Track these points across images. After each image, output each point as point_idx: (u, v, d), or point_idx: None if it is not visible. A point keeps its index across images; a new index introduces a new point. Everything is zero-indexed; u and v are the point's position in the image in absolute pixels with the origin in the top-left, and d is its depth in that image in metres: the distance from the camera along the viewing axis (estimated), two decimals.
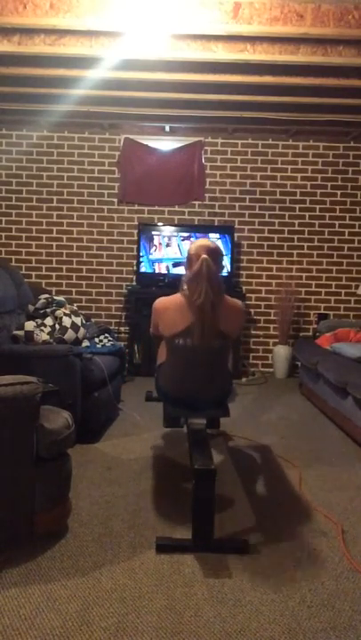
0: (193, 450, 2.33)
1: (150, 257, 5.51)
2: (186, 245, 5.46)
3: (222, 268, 2.62)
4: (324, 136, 5.62)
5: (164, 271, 5.48)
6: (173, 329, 2.46)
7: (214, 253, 2.49)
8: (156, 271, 5.51)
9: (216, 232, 5.56)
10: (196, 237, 5.48)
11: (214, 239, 5.48)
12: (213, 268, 2.42)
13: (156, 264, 5.52)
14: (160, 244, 5.51)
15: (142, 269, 5.50)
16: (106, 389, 3.57)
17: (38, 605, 1.74)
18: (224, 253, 2.66)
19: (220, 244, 5.46)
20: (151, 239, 5.50)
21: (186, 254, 2.59)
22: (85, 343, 3.81)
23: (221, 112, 4.82)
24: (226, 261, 5.42)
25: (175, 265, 5.46)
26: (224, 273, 5.38)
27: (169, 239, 5.51)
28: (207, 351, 2.45)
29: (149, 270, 5.50)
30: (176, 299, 2.51)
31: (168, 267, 5.50)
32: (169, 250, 5.50)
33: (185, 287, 2.48)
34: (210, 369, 2.54)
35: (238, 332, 2.73)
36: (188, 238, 5.49)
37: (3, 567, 1.94)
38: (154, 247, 5.51)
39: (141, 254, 5.50)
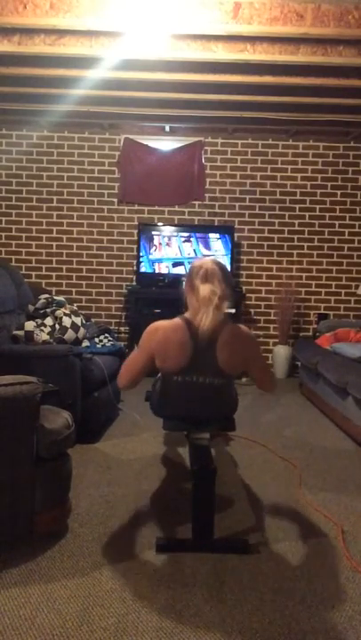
0: (193, 452, 2.33)
1: (150, 257, 5.51)
2: (186, 246, 5.46)
3: (231, 287, 2.26)
4: (324, 136, 5.62)
5: (164, 271, 5.48)
6: (172, 366, 2.20)
7: (220, 266, 2.23)
8: (156, 271, 5.51)
9: (216, 232, 5.55)
10: (197, 238, 5.48)
11: (214, 238, 5.48)
12: (219, 274, 2.18)
13: (156, 264, 5.52)
14: (160, 243, 5.51)
15: (142, 269, 5.50)
16: (106, 389, 3.57)
17: (38, 605, 1.73)
18: (230, 274, 2.35)
19: (219, 243, 5.48)
20: (151, 239, 5.50)
21: (187, 273, 2.26)
22: (85, 343, 3.81)
23: (221, 112, 4.82)
24: (226, 261, 5.43)
25: (175, 265, 5.46)
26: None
27: (169, 239, 5.51)
28: (207, 388, 2.22)
29: (149, 270, 5.50)
30: (175, 324, 2.20)
31: (168, 267, 5.49)
32: (169, 250, 5.50)
33: (186, 312, 2.22)
34: (211, 403, 2.30)
35: (255, 360, 2.31)
36: (188, 239, 5.49)
37: (3, 567, 1.94)
38: (154, 247, 5.50)
39: (141, 254, 5.49)
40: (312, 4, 3.08)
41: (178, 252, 5.48)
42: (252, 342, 2.32)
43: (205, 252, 5.43)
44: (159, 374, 2.45)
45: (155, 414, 2.53)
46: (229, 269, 5.37)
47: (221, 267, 2.23)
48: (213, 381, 2.21)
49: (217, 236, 5.50)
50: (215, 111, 4.82)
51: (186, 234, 5.52)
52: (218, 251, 5.46)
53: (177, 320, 2.21)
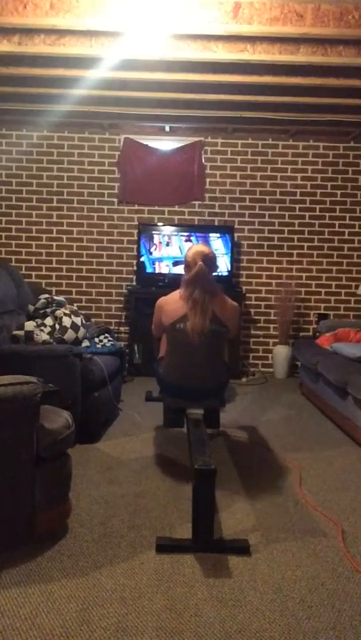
0: (193, 450, 2.33)
1: (151, 256, 5.50)
2: (187, 245, 5.47)
3: (216, 269, 3.06)
4: (324, 136, 5.62)
5: (164, 271, 5.48)
6: (173, 316, 2.83)
7: (209, 260, 2.86)
8: (157, 271, 5.51)
9: (216, 232, 5.56)
10: (197, 237, 5.50)
11: (214, 238, 5.49)
12: (207, 273, 2.80)
13: (157, 263, 5.52)
14: (160, 243, 5.51)
15: (145, 268, 5.50)
16: (106, 389, 3.57)
17: (38, 605, 1.73)
18: (217, 258, 3.07)
19: (219, 242, 5.48)
20: (151, 238, 5.50)
21: (184, 258, 2.95)
22: (85, 343, 3.81)
23: (221, 112, 4.81)
24: (226, 261, 5.44)
25: (175, 264, 5.46)
26: (224, 272, 5.40)
27: (169, 238, 5.51)
28: (203, 333, 2.76)
29: (150, 270, 5.50)
30: (175, 294, 2.90)
31: (169, 265, 5.49)
32: (169, 249, 5.50)
33: (182, 288, 2.86)
34: (207, 352, 2.83)
35: (234, 325, 2.96)
36: (188, 238, 5.49)
37: (3, 567, 1.94)
38: (154, 246, 5.51)
39: (142, 253, 5.49)
40: (312, 4, 3.08)
41: (178, 251, 5.48)
42: (236, 310, 2.97)
43: None
44: (159, 356, 3.12)
45: (160, 387, 3.09)
46: (229, 269, 5.41)
47: (210, 261, 2.86)
48: (211, 326, 2.77)
49: (217, 235, 5.50)
50: (215, 111, 4.81)
51: (186, 233, 5.52)
52: (218, 250, 5.46)
53: (176, 292, 2.91)
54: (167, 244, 5.51)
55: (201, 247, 3.01)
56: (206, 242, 5.49)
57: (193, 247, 2.98)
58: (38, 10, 3.09)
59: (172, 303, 2.88)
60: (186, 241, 5.49)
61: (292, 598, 1.81)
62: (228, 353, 3.21)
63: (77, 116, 5.19)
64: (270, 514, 2.45)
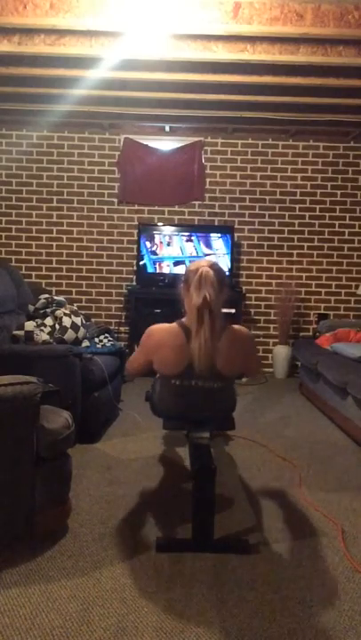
0: (193, 451, 2.33)
1: (153, 256, 5.50)
2: (188, 245, 5.47)
3: (227, 290, 2.26)
4: (325, 136, 5.62)
5: (165, 271, 5.48)
6: (169, 369, 2.26)
7: (216, 270, 2.20)
8: (158, 270, 5.51)
9: (216, 232, 5.55)
10: (198, 237, 5.48)
11: (215, 238, 5.48)
12: (215, 280, 2.15)
13: (157, 263, 5.52)
14: (161, 242, 5.51)
15: (146, 269, 5.50)
16: (106, 389, 3.57)
17: (38, 605, 1.73)
18: (226, 276, 2.39)
19: (220, 242, 5.47)
20: (153, 238, 5.50)
21: (184, 276, 2.25)
22: (85, 343, 3.81)
23: (221, 112, 4.82)
24: (226, 261, 5.43)
25: (176, 264, 5.46)
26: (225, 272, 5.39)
27: (170, 238, 5.51)
28: (206, 392, 2.26)
29: (151, 270, 5.50)
30: (172, 329, 2.24)
31: (170, 265, 5.49)
32: (170, 249, 5.50)
33: (183, 318, 2.25)
34: (210, 404, 2.32)
35: (250, 361, 2.39)
36: (189, 238, 5.49)
37: (3, 567, 1.94)
38: (155, 246, 5.50)
39: (143, 253, 5.49)
40: (312, 4, 3.08)
41: (179, 251, 5.48)
42: (250, 342, 2.40)
43: (207, 250, 5.43)
44: (158, 375, 2.50)
45: (154, 414, 2.59)
46: (229, 269, 5.40)
47: (217, 270, 2.21)
48: (213, 385, 2.24)
49: (218, 235, 5.50)
50: (215, 111, 4.82)
51: (187, 233, 5.52)
52: (219, 250, 5.46)
53: (174, 326, 2.24)
54: (168, 244, 5.51)
55: (206, 265, 2.22)
56: (207, 242, 5.49)
57: (196, 265, 2.24)
58: (38, 10, 3.09)
59: (170, 349, 2.23)
60: (187, 241, 5.49)
61: (292, 598, 1.81)
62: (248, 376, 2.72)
63: (77, 115, 5.19)
64: (270, 514, 2.45)
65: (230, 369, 2.25)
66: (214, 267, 2.21)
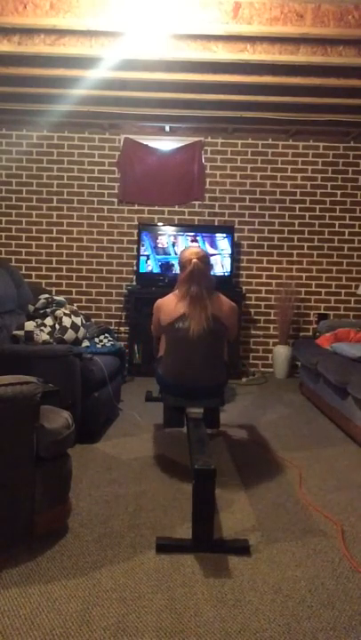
0: (193, 450, 2.33)
1: (158, 256, 5.50)
2: (192, 245, 5.47)
3: (211, 267, 3.17)
4: (324, 136, 5.62)
5: (168, 270, 5.47)
6: (172, 315, 2.83)
7: (204, 258, 2.90)
8: (162, 270, 5.50)
9: (216, 232, 5.55)
10: (203, 238, 5.50)
11: (220, 238, 5.48)
12: (203, 269, 2.84)
13: (162, 263, 5.51)
14: (166, 243, 5.51)
15: (148, 268, 5.50)
16: (106, 389, 3.57)
17: (38, 605, 1.73)
18: (210, 258, 3.10)
19: (225, 243, 5.47)
20: (157, 238, 5.51)
21: (178, 260, 3.00)
22: (85, 343, 3.81)
23: (221, 112, 4.81)
24: (227, 261, 5.44)
25: None
26: (225, 273, 5.40)
27: (175, 238, 5.51)
28: (203, 332, 2.76)
29: (157, 270, 5.49)
30: (171, 295, 2.93)
31: (174, 265, 5.47)
32: (175, 249, 5.49)
33: (178, 287, 2.90)
34: (206, 351, 2.83)
35: (232, 324, 2.97)
36: (195, 239, 5.49)
37: (3, 567, 1.94)
38: (160, 246, 5.51)
39: (148, 253, 5.49)
40: (312, 4, 3.08)
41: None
42: (234, 310, 2.97)
43: (212, 251, 5.42)
44: (158, 355, 3.10)
45: (159, 385, 3.07)
46: (229, 269, 5.41)
47: (203, 258, 2.89)
48: (210, 326, 2.78)
49: (223, 235, 5.49)
50: (215, 111, 4.81)
51: (192, 233, 5.52)
52: (224, 250, 5.47)
53: (172, 294, 2.94)
54: (173, 245, 5.51)
55: (195, 248, 3.06)
56: (212, 242, 5.50)
57: (187, 249, 3.05)
58: (38, 10, 3.09)
59: (170, 303, 2.89)
60: (192, 241, 5.49)
61: (292, 598, 1.81)
62: (228, 353, 3.20)
63: (77, 116, 5.19)
64: (270, 514, 2.45)
65: (221, 314, 2.85)
66: (200, 255, 2.89)
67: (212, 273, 3.03)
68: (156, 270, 5.49)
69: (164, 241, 5.51)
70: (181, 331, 2.80)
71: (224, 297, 2.94)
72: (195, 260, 2.82)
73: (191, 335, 2.77)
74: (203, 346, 2.81)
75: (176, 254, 5.44)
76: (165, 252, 5.51)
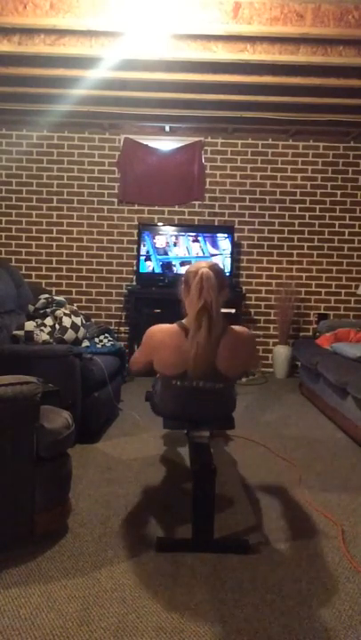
0: (193, 450, 2.33)
1: (160, 256, 5.50)
2: (195, 246, 5.47)
3: (227, 290, 2.29)
4: (325, 136, 5.62)
5: (170, 270, 5.46)
6: (169, 370, 2.27)
7: (216, 271, 2.20)
8: (164, 270, 5.50)
9: (216, 232, 5.55)
10: (204, 237, 5.48)
11: (222, 238, 5.47)
12: (214, 282, 2.14)
13: (164, 263, 5.51)
14: (168, 243, 5.51)
15: (149, 268, 5.50)
16: (106, 389, 3.57)
17: (38, 605, 1.73)
18: (224, 272, 2.45)
19: (226, 243, 5.46)
20: (158, 238, 5.51)
21: (184, 278, 2.27)
22: (85, 343, 3.81)
23: (221, 112, 4.82)
24: (227, 262, 5.43)
25: (183, 264, 5.44)
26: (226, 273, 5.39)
27: (176, 239, 5.51)
28: (207, 393, 2.27)
29: (158, 270, 5.49)
30: (171, 330, 2.25)
31: (176, 266, 5.47)
32: (176, 249, 5.49)
33: (184, 319, 2.25)
34: (212, 405, 2.33)
35: (249, 357, 2.40)
36: (196, 239, 5.49)
37: (3, 567, 1.94)
38: (162, 246, 5.51)
39: (150, 254, 5.49)
40: (312, 4, 3.08)
41: (186, 251, 5.48)
42: (251, 343, 2.42)
43: (213, 251, 5.42)
44: (158, 375, 2.51)
45: (155, 413, 2.61)
46: (229, 269, 5.40)
47: (217, 271, 2.21)
48: (214, 386, 2.25)
49: (225, 235, 5.49)
50: (215, 111, 4.82)
51: (193, 233, 5.52)
52: (226, 250, 5.47)
53: (174, 326, 2.25)
54: (175, 245, 5.50)
55: (206, 266, 2.22)
56: (214, 242, 5.50)
57: (195, 267, 2.25)
58: (38, 10, 3.09)
59: (170, 350, 2.23)
60: (193, 241, 5.49)
61: (292, 598, 1.81)
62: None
63: (77, 116, 5.19)
64: (270, 514, 2.45)
65: (233, 370, 2.27)
66: (214, 268, 2.21)
67: (227, 296, 2.27)
68: (158, 270, 5.49)
69: (165, 241, 5.51)
70: (181, 387, 2.27)
71: (238, 331, 2.29)
72: (203, 270, 2.15)
73: (192, 392, 2.27)
74: (206, 398, 2.29)
75: (177, 254, 5.45)
76: (166, 252, 5.51)
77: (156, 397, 2.53)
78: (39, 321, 3.69)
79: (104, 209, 5.73)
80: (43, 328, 3.61)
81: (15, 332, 3.57)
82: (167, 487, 2.71)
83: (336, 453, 3.32)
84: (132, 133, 5.66)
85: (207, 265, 2.21)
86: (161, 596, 1.80)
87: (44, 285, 5.58)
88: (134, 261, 5.63)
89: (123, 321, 5.73)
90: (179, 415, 2.43)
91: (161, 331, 2.28)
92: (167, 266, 5.48)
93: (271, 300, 5.74)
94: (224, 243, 5.48)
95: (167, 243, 5.50)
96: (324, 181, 5.72)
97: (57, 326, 3.66)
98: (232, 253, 5.48)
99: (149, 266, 5.50)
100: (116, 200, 5.72)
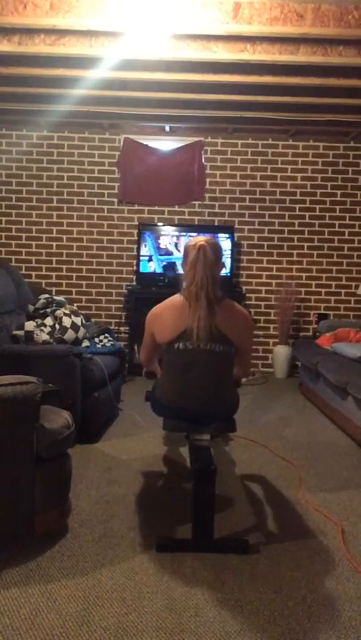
0: (193, 450, 2.33)
1: (160, 257, 5.49)
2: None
3: (222, 264, 2.51)
4: (325, 136, 5.62)
5: (169, 271, 5.46)
6: (171, 332, 2.32)
7: (213, 246, 2.36)
8: (164, 270, 5.50)
9: (216, 232, 5.55)
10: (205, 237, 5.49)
11: (223, 239, 5.47)
12: (211, 256, 2.29)
13: (163, 263, 5.51)
14: (169, 243, 5.51)
15: (151, 269, 5.50)
16: (106, 389, 3.57)
17: (38, 605, 1.73)
18: (222, 250, 2.54)
19: (228, 243, 5.46)
20: (159, 238, 5.51)
21: (184, 251, 2.43)
22: (85, 343, 3.81)
23: (221, 112, 4.82)
24: (227, 262, 5.43)
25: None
26: (225, 272, 5.40)
27: (178, 239, 5.51)
28: (208, 356, 2.29)
29: (159, 270, 5.49)
30: (172, 299, 2.39)
31: (176, 265, 5.46)
32: (178, 250, 5.49)
33: (182, 283, 2.36)
34: (212, 376, 2.34)
35: (245, 341, 2.47)
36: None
37: (3, 567, 1.94)
38: (163, 247, 5.51)
39: (150, 254, 5.48)
40: (312, 4, 3.08)
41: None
42: (246, 320, 2.47)
43: None
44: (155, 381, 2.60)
45: (155, 412, 2.56)
46: (229, 269, 5.40)
47: (213, 245, 2.36)
48: (215, 347, 2.30)
49: (226, 235, 5.49)
50: (215, 111, 4.82)
51: (195, 234, 5.52)
52: (226, 250, 5.46)
53: (175, 296, 2.40)
54: (176, 245, 5.50)
55: (203, 237, 2.46)
56: None
57: (194, 238, 2.50)
58: (38, 10, 3.09)
59: (170, 313, 2.36)
60: None
61: (292, 598, 1.81)
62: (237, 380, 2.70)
63: (77, 116, 5.19)
64: (270, 514, 2.45)
65: (232, 331, 2.33)
66: (210, 242, 2.36)
67: (222, 269, 2.48)
68: (159, 271, 5.49)
69: (166, 241, 5.51)
70: (182, 354, 2.32)
71: (236, 304, 2.42)
72: (202, 243, 2.31)
73: (194, 355, 2.31)
74: (207, 365, 2.32)
75: (179, 253, 5.45)
76: (168, 253, 5.51)
77: (156, 390, 2.54)
78: (39, 321, 3.69)
79: (104, 209, 5.73)
80: (43, 328, 3.61)
81: (15, 332, 3.57)
82: (167, 487, 2.71)
83: (336, 453, 3.32)
84: (132, 133, 5.66)
85: (205, 240, 2.36)
86: (161, 595, 1.80)
87: (44, 285, 5.58)
88: (134, 261, 5.63)
89: (123, 321, 5.73)
90: (180, 396, 2.37)
91: (158, 305, 2.45)
92: (170, 266, 5.48)
93: (271, 299, 5.74)
94: (224, 243, 5.48)
95: (169, 243, 5.50)
96: (324, 181, 5.72)
97: (57, 326, 3.66)
98: (232, 253, 5.48)
99: (151, 266, 5.50)
100: (116, 200, 5.72)
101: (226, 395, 2.44)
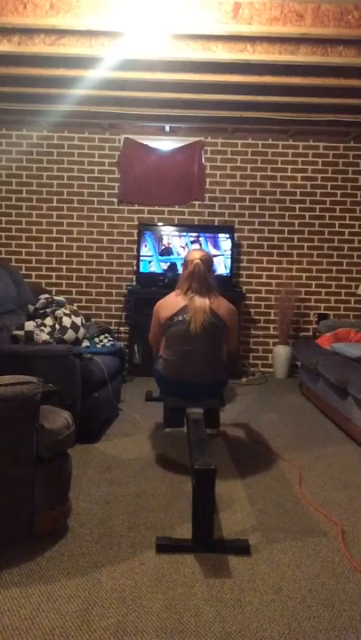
0: (193, 450, 2.33)
1: (161, 257, 5.49)
2: (195, 247, 5.47)
3: (214, 270, 3.34)
4: (325, 136, 5.62)
5: (171, 270, 5.46)
6: (172, 309, 2.95)
7: (206, 259, 3.04)
8: (164, 270, 5.50)
9: (216, 232, 5.55)
10: (206, 238, 5.51)
11: (223, 239, 5.49)
12: (204, 271, 2.96)
13: (164, 263, 5.51)
14: (169, 243, 5.51)
15: (152, 269, 5.50)
16: (106, 389, 3.57)
17: (38, 605, 1.73)
18: (214, 261, 3.41)
19: (228, 244, 5.47)
20: (160, 239, 5.50)
21: (184, 259, 3.15)
22: (85, 343, 3.81)
23: (221, 112, 4.81)
24: (223, 263, 5.44)
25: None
26: (225, 273, 5.41)
27: (178, 239, 5.51)
28: (202, 326, 2.85)
29: (160, 271, 5.48)
30: (172, 293, 3.05)
31: (176, 265, 5.46)
32: (178, 250, 5.49)
33: (180, 285, 3.04)
34: (206, 346, 2.91)
35: (232, 325, 3.05)
36: (197, 239, 5.49)
37: (3, 567, 1.94)
38: (163, 246, 5.51)
39: (151, 254, 5.48)
40: (312, 4, 3.07)
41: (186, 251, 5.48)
42: (230, 305, 3.05)
43: (214, 251, 5.41)
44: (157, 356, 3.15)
45: (157, 382, 3.13)
46: (229, 269, 5.41)
47: (206, 261, 3.03)
48: (210, 319, 2.88)
49: (226, 235, 5.49)
50: (215, 111, 4.81)
51: (195, 234, 5.52)
52: (226, 250, 5.47)
53: (175, 291, 3.05)
54: (180, 246, 5.50)
55: (200, 251, 3.42)
56: (215, 242, 5.50)
57: (193, 250, 3.33)
58: (38, 10, 3.08)
59: (171, 300, 3.02)
60: (193, 242, 5.49)
61: (293, 598, 1.81)
62: (228, 353, 3.23)
63: (77, 116, 5.19)
64: (270, 514, 2.45)
65: (221, 312, 2.94)
66: (203, 258, 3.03)
67: (214, 276, 3.17)
68: (160, 271, 5.49)
69: (167, 242, 5.50)
70: (181, 324, 2.90)
71: (224, 299, 3.05)
72: (197, 261, 2.97)
73: (191, 329, 2.86)
74: (202, 340, 2.89)
75: (179, 255, 5.45)
76: (169, 253, 5.51)
77: (158, 363, 3.12)
78: (39, 321, 3.69)
79: (104, 209, 5.73)
80: (43, 328, 3.61)
81: (15, 332, 3.57)
82: (167, 487, 2.71)
83: (336, 453, 3.32)
84: (132, 133, 5.66)
85: (199, 257, 3.01)
86: (161, 595, 1.80)
87: (44, 285, 5.57)
88: (134, 261, 5.63)
89: (123, 321, 5.73)
90: (179, 363, 2.94)
91: (163, 298, 3.10)
92: (171, 267, 5.46)
93: (271, 299, 5.74)
94: (225, 243, 5.48)
95: (169, 243, 5.50)
96: (324, 181, 5.72)
97: (57, 326, 3.66)
98: (232, 253, 5.48)
99: (152, 267, 5.50)
100: (116, 200, 5.72)
101: (217, 369, 3.01)
